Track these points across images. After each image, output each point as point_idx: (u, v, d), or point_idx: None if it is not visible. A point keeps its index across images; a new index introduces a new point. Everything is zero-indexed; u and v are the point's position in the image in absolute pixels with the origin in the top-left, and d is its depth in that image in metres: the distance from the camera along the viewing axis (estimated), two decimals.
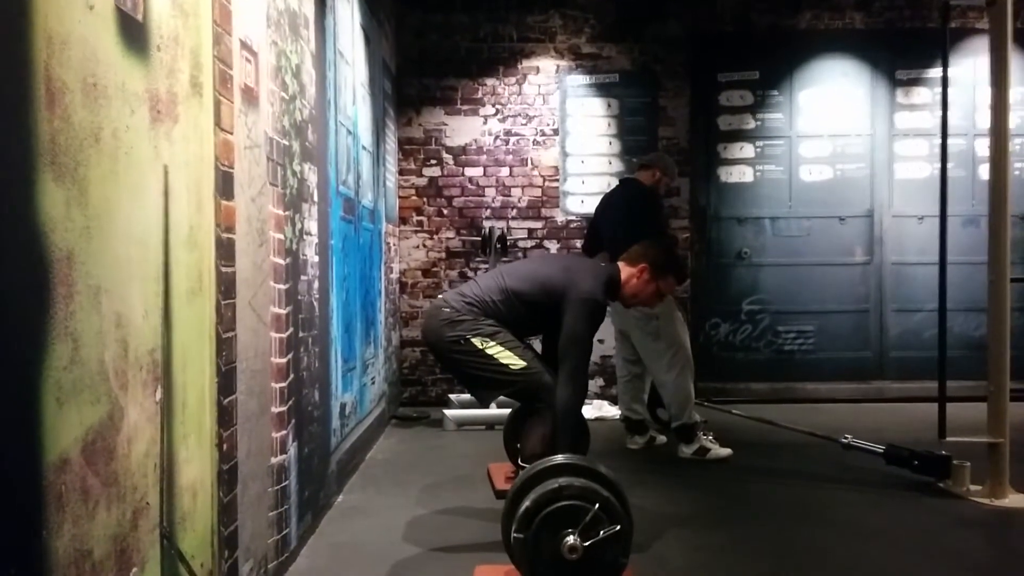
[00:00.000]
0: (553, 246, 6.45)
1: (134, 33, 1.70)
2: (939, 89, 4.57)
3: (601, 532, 2.40)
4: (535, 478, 2.53)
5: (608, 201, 4.95)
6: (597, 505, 2.41)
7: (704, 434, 4.64)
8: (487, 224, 6.30)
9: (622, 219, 4.65)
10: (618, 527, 2.42)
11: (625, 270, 3.30)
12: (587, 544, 2.38)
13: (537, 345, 3.39)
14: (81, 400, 1.48)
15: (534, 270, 3.28)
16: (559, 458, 2.62)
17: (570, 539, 2.39)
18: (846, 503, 3.69)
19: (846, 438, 4.25)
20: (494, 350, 3.05)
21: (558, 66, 6.49)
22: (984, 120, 5.15)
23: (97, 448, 1.54)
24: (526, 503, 2.44)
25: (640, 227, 4.38)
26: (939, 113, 4.13)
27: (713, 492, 3.92)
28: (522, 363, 3.04)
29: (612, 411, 5.84)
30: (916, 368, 6.26)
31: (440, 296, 3.31)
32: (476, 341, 3.05)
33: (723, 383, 6.39)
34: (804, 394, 6.41)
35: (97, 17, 1.55)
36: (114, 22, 1.62)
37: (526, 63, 6.49)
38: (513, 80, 6.50)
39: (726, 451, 4.57)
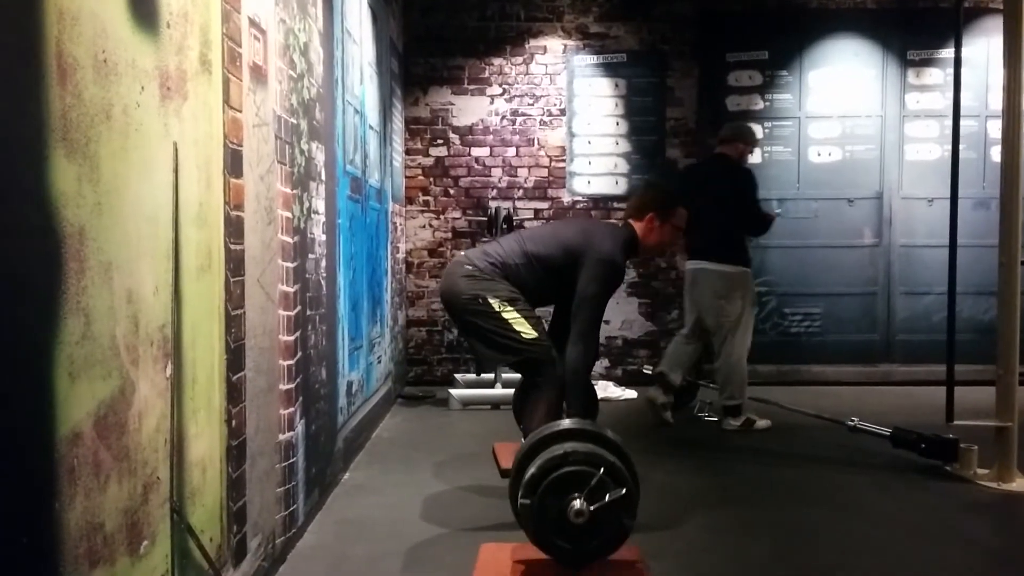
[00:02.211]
0: None
1: (144, 9, 1.70)
2: (951, 70, 4.54)
3: (607, 496, 2.40)
4: (541, 444, 2.52)
5: (702, 180, 4.90)
6: (603, 469, 2.40)
7: (707, 414, 4.73)
8: (493, 204, 6.29)
9: (728, 198, 4.75)
10: (624, 490, 2.41)
11: (637, 226, 3.35)
12: (593, 508, 2.38)
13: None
14: (93, 375, 1.49)
15: (554, 233, 3.31)
16: (565, 423, 2.62)
17: (576, 503, 2.38)
18: (853, 486, 3.69)
19: (853, 421, 4.26)
20: (510, 315, 3.07)
21: (565, 45, 6.45)
22: (996, 101, 5.11)
23: (109, 422, 1.54)
24: (531, 469, 2.44)
25: (748, 206, 4.73)
26: (950, 94, 4.09)
27: (719, 473, 3.93)
28: (534, 334, 3.07)
29: (617, 392, 5.86)
30: (924, 351, 6.26)
31: (463, 253, 3.33)
32: (494, 302, 3.07)
33: None
34: (811, 377, 6.41)
35: None
36: None
37: (533, 42, 6.46)
38: (520, 60, 6.46)
39: (765, 422, 4.80)
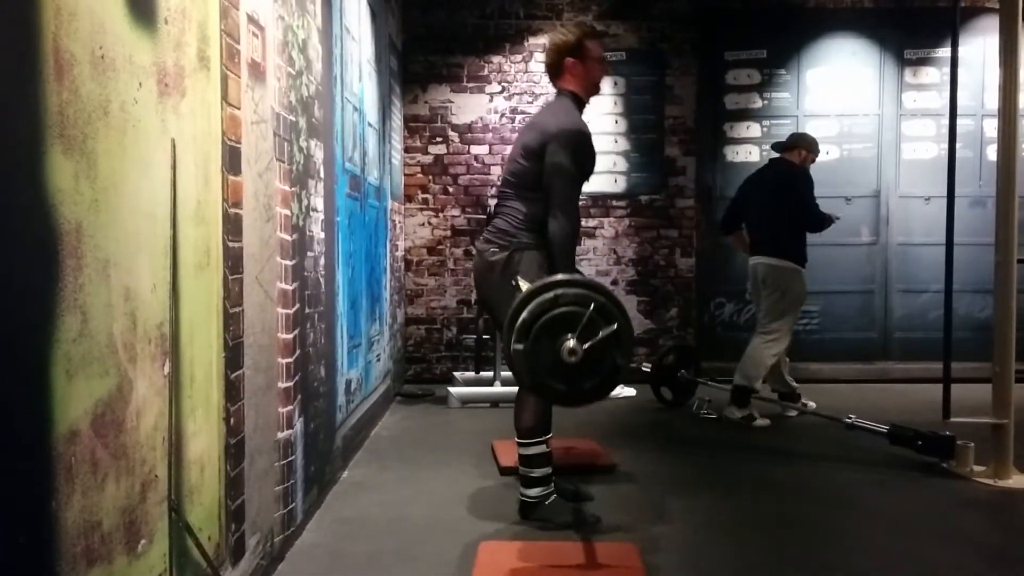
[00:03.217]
0: None
1: (142, 5, 1.69)
2: (947, 69, 4.54)
3: (599, 333, 2.41)
4: (531, 295, 2.51)
5: (763, 183, 5.14)
6: (592, 306, 2.42)
7: (706, 412, 4.79)
8: (492, 202, 6.27)
9: (786, 199, 4.98)
10: (615, 326, 2.42)
11: (566, 81, 3.25)
12: (586, 346, 2.39)
13: None
14: (90, 372, 1.49)
15: (515, 156, 3.20)
16: (554, 277, 2.60)
17: (570, 342, 2.40)
18: (850, 483, 3.70)
19: (850, 418, 4.27)
20: None
21: None
22: (992, 100, 5.11)
23: (106, 420, 1.54)
24: (523, 315, 2.45)
25: (805, 206, 4.95)
26: (947, 93, 4.10)
27: (717, 470, 3.93)
28: None
29: (616, 390, 5.85)
30: (921, 349, 6.27)
31: (483, 237, 3.22)
32: (523, 285, 3.01)
33: (727, 363, 6.33)
34: (808, 374, 6.40)
35: None
36: None
37: (533, 40, 6.45)
38: (519, 57, 6.46)
39: (765, 421, 4.89)
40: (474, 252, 3.22)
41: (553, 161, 3.02)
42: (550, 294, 2.46)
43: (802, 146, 5.12)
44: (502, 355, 2.99)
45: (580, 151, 3.09)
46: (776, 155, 5.21)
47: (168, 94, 1.82)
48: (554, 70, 3.28)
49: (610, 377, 2.48)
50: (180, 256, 1.89)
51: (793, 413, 5.04)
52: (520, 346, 2.44)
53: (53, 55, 1.37)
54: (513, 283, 3.00)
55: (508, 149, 6.41)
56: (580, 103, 3.26)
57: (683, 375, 5.40)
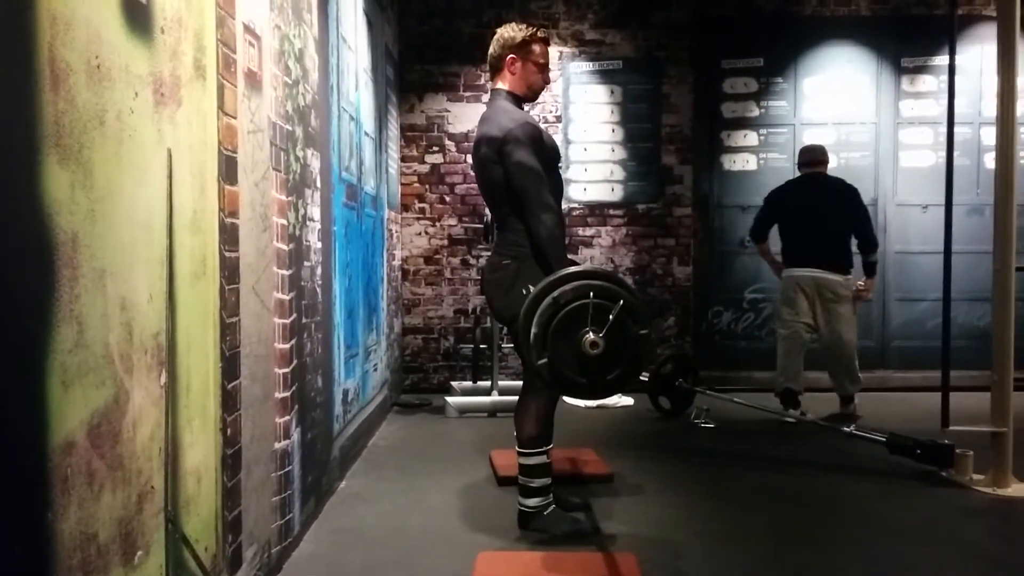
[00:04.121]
0: None
1: (138, 14, 1.69)
2: (944, 77, 4.56)
3: (610, 316, 2.42)
4: (530, 308, 2.51)
5: (819, 198, 5.30)
6: (592, 294, 2.43)
7: (704, 421, 4.80)
8: (489, 213, 6.28)
9: (842, 210, 5.24)
10: (621, 302, 2.44)
11: (505, 80, 3.16)
12: (603, 333, 2.41)
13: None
14: (86, 383, 1.47)
15: (481, 176, 3.13)
16: (545, 280, 2.57)
17: (589, 336, 2.41)
18: (849, 492, 3.69)
19: (849, 427, 4.26)
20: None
21: (561, 53, 6.46)
22: (990, 108, 5.13)
23: (102, 431, 1.53)
24: (533, 331, 2.46)
25: (861, 219, 5.23)
26: (944, 101, 4.11)
27: (715, 479, 3.92)
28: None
29: (613, 399, 5.84)
30: (919, 357, 6.27)
31: (493, 252, 3.17)
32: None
33: (725, 371, 6.39)
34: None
35: None
36: (118, 3, 1.60)
37: None
38: None
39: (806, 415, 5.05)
40: (484, 265, 3.15)
41: (513, 162, 2.94)
42: (549, 299, 2.46)
43: (827, 160, 5.39)
44: (499, 361, 2.98)
45: (536, 143, 3.00)
46: (812, 169, 5.37)
47: (164, 104, 1.82)
48: (495, 64, 3.19)
49: (637, 346, 2.48)
50: (176, 266, 1.88)
51: (791, 420, 5.04)
52: (544, 359, 2.44)
53: (49, 65, 1.36)
54: (524, 292, 2.98)
55: None
56: (518, 101, 3.16)
57: (681, 384, 5.39)
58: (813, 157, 5.39)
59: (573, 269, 2.59)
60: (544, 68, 3.19)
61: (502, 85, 3.18)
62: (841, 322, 5.18)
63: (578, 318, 2.44)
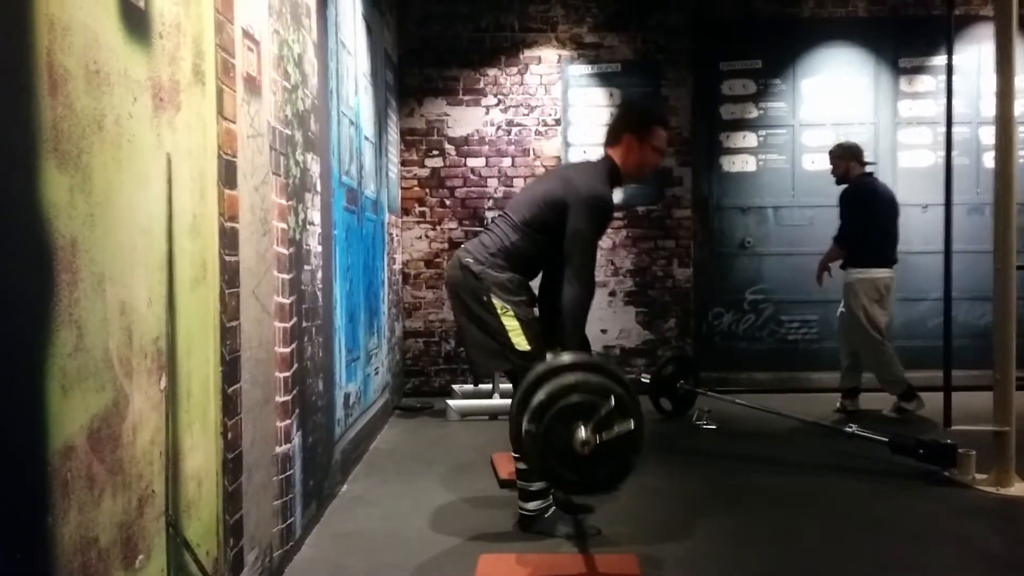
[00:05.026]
0: None
1: (136, 20, 1.70)
2: (943, 77, 4.56)
3: (615, 428, 2.38)
4: (548, 374, 2.48)
5: (892, 200, 5.39)
6: (612, 400, 2.38)
7: (706, 422, 4.81)
8: (490, 215, 6.29)
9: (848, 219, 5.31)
10: (631, 423, 2.40)
11: (615, 152, 3.22)
12: (599, 439, 2.37)
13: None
14: (86, 387, 1.48)
15: (533, 193, 3.20)
16: (571, 356, 2.58)
17: (582, 433, 2.37)
18: (851, 492, 3.68)
19: (851, 427, 4.25)
20: (509, 323, 2.98)
21: (560, 56, 6.47)
22: (988, 108, 5.13)
23: (102, 436, 1.53)
24: (539, 396, 2.41)
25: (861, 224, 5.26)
26: (943, 101, 4.11)
27: (717, 480, 3.91)
28: (527, 347, 2.98)
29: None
30: (920, 357, 6.24)
31: (463, 247, 3.20)
32: (497, 304, 2.99)
33: (726, 373, 6.39)
34: (808, 383, 6.41)
35: (99, 3, 1.54)
36: (116, 8, 1.61)
37: (528, 53, 6.47)
38: (515, 70, 6.48)
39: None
40: (451, 261, 3.18)
41: (576, 226, 3.01)
42: (571, 378, 2.43)
43: (846, 158, 5.37)
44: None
45: (602, 221, 3.12)
46: (868, 170, 5.41)
47: (163, 108, 1.82)
48: (612, 136, 3.26)
49: (621, 472, 2.46)
50: (176, 270, 1.89)
51: (918, 412, 5.19)
52: (532, 427, 2.40)
53: (47, 70, 1.37)
54: (485, 299, 3.00)
55: (504, 161, 6.46)
56: (617, 177, 3.23)
57: (682, 386, 5.39)
58: (860, 157, 5.40)
59: (608, 364, 2.59)
60: (661, 152, 3.29)
61: (612, 154, 3.24)
62: (886, 316, 5.34)
63: (584, 412, 2.40)
